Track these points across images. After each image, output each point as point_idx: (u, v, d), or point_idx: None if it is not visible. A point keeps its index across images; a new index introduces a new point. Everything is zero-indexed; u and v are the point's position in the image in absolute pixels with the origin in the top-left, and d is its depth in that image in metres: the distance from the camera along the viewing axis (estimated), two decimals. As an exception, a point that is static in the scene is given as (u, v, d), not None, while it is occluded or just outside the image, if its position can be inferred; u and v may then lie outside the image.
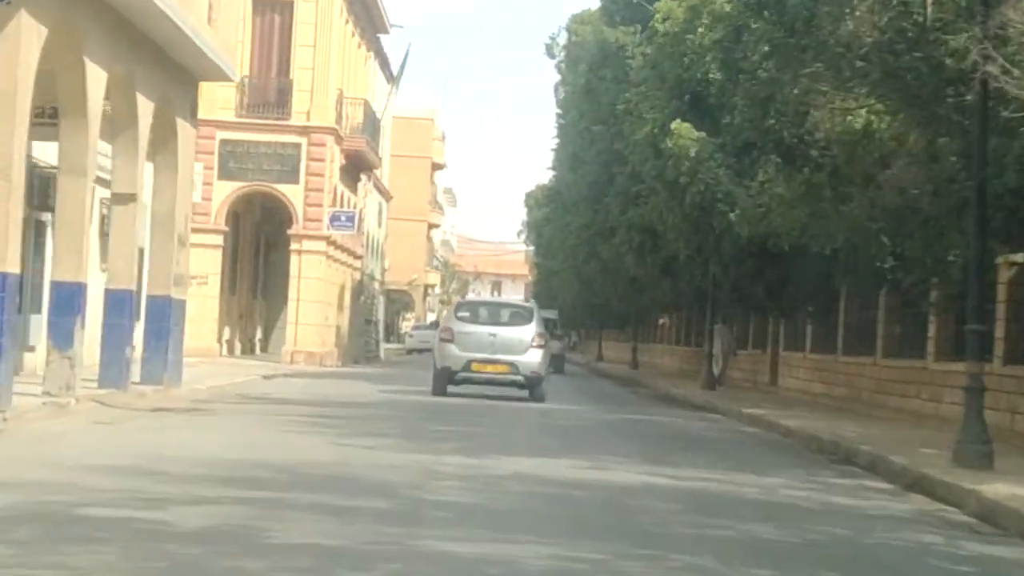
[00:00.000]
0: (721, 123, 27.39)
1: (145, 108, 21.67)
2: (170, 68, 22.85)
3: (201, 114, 45.37)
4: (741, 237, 26.71)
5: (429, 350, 73.98)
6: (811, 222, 24.91)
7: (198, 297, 43.95)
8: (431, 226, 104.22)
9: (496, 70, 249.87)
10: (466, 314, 29.92)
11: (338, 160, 46.72)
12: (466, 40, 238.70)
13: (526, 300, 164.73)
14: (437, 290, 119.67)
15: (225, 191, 44.48)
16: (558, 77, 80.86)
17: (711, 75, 27.29)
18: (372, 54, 56.15)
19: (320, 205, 44.68)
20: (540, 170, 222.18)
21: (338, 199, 47.17)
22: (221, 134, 44.32)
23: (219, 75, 24.81)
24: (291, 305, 44.94)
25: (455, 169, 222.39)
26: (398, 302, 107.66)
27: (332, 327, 48.85)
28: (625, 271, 47.50)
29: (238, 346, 49.42)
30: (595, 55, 52.15)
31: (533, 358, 28.37)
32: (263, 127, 44.36)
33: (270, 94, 44.79)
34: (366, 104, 48.99)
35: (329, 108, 44.88)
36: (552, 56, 75.66)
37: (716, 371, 41.48)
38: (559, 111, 79.76)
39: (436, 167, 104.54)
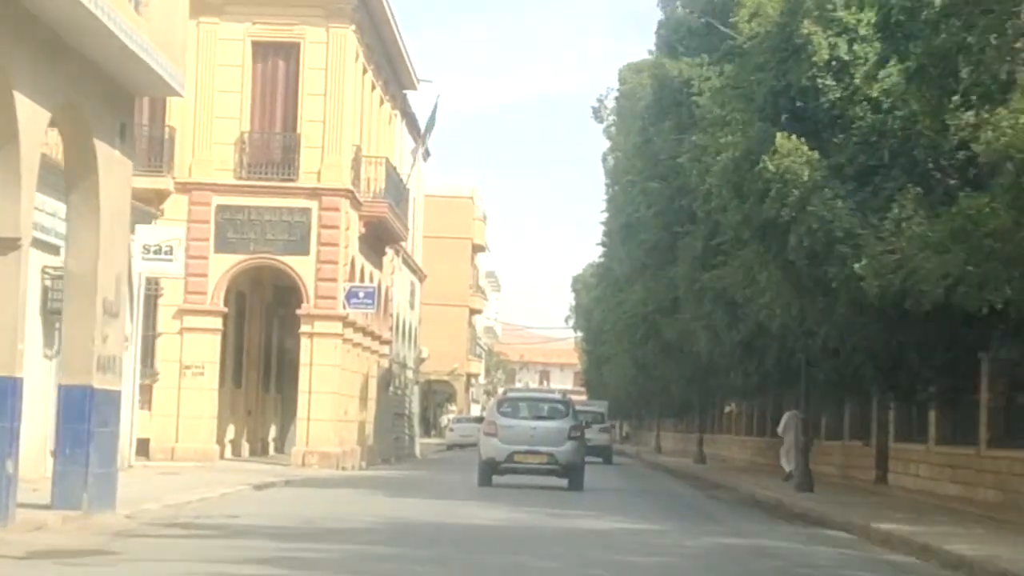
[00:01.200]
0: (831, 143, 20.78)
1: (33, 118, 15.15)
2: (76, 65, 16.33)
3: (195, 177, 39.47)
4: (866, 295, 19.93)
5: (472, 445, 68.01)
6: (967, 271, 18.23)
7: (193, 390, 37.58)
8: (473, 312, 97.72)
9: (538, 155, 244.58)
10: (508, 409, 31.88)
11: (356, 228, 40.24)
12: (505, 131, 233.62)
13: (576, 387, 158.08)
14: (481, 380, 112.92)
15: (224, 265, 38.02)
16: (606, 144, 74.65)
17: (820, 80, 20.64)
18: (397, 113, 49.82)
19: (334, 280, 38.16)
20: (588, 254, 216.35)
21: (357, 274, 40.65)
22: (218, 199, 37.97)
23: (158, 85, 18.29)
24: (302, 398, 38.26)
25: (498, 253, 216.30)
26: (439, 393, 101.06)
27: (353, 423, 42.16)
28: (691, 352, 40.87)
29: (246, 447, 42.79)
30: (652, 104, 45.72)
31: (570, 448, 30.40)
32: (266, 190, 38.00)
33: (274, 152, 38.43)
34: (388, 164, 42.49)
35: (343, 167, 38.47)
36: (600, 120, 69.51)
37: (788, 466, 34.94)
38: (608, 181, 73.52)
39: (477, 249, 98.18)
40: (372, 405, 45.77)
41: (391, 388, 49.39)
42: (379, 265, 45.68)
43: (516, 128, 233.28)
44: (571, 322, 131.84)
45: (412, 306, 57.92)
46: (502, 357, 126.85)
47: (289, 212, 38.02)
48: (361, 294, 38.66)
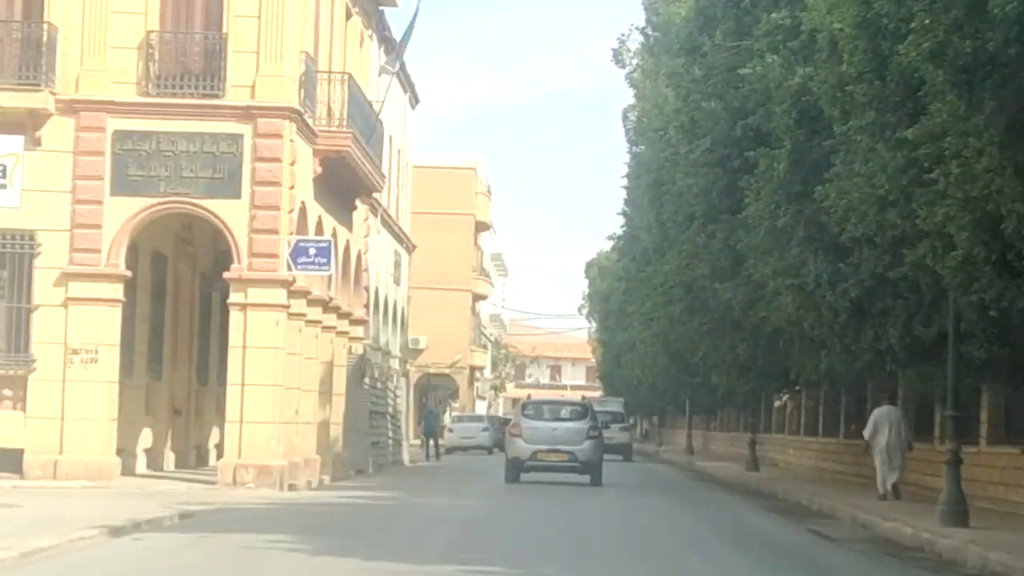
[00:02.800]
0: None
1: None
2: None
3: (84, 92, 28.04)
4: None
5: (477, 447, 58.36)
6: None
7: (82, 383, 27.54)
8: (476, 297, 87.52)
9: (545, 150, 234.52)
10: (532, 412, 34.53)
11: (308, 166, 30.13)
12: (510, 127, 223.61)
13: (589, 382, 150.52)
14: (487, 373, 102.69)
15: (124, 212, 27.88)
16: (628, 102, 64.58)
17: None
18: (372, 35, 39.58)
19: (275, 231, 28.03)
20: (600, 242, 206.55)
21: (312, 227, 30.54)
22: (115, 123, 27.84)
23: None
24: (232, 393, 28.10)
25: (505, 237, 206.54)
26: (440, 389, 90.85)
27: (310, 425, 32.03)
28: (756, 327, 30.87)
29: (171, 458, 32.73)
30: (694, 16, 35.85)
31: (589, 447, 33.19)
32: (181, 110, 27.88)
33: (192, 59, 28.26)
34: (351, 82, 32.12)
35: (288, 81, 28.34)
36: (622, 64, 59.52)
37: (888, 478, 25.54)
38: (630, 142, 63.38)
39: (481, 227, 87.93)
40: (339, 402, 35.66)
41: (367, 380, 39.25)
42: (347, 223, 35.54)
43: (520, 123, 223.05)
44: (585, 311, 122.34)
45: (398, 281, 47.77)
46: (511, 349, 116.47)
47: (213, 140, 27.92)
48: (312, 251, 28.48)
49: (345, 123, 31.53)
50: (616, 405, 71.78)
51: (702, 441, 70.86)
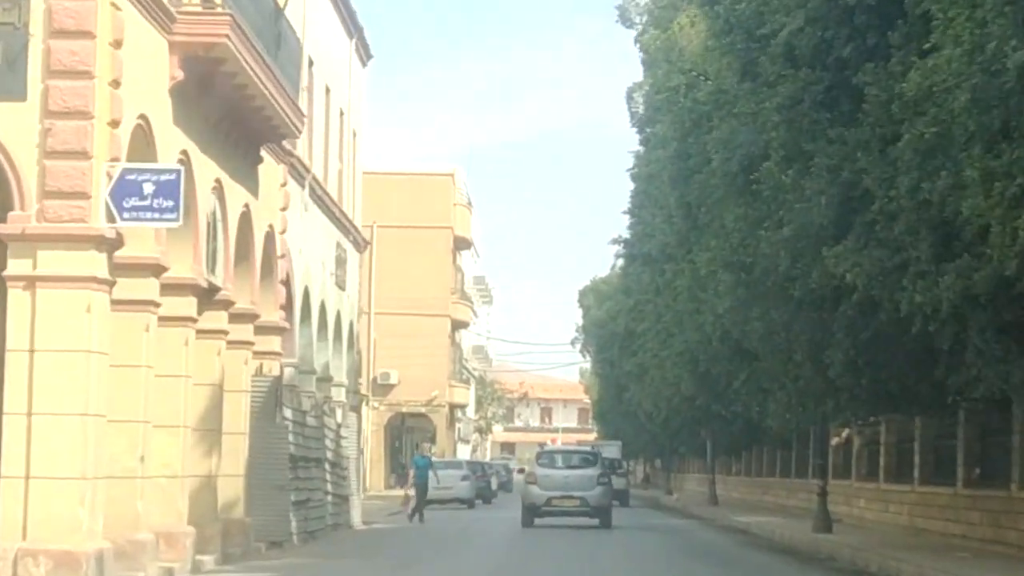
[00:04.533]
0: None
1: None
2: None
3: None
4: None
5: (455, 500, 47.23)
6: None
7: None
8: (457, 324, 75.94)
9: (531, 189, 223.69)
10: (545, 461, 37.10)
11: (163, 63, 18.76)
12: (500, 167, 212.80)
13: (581, 424, 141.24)
14: (470, 412, 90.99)
15: None
16: (637, 80, 53.46)
17: None
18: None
19: (84, 155, 16.64)
20: (594, 270, 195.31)
21: (164, 161, 19.02)
22: None
23: None
24: (7, 430, 16.63)
25: (489, 263, 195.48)
26: (418, 431, 79.22)
27: (175, 480, 20.42)
28: (860, 325, 19.75)
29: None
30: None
31: (599, 492, 35.08)
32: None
33: None
34: (231, -60, 20.79)
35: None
36: (629, 23, 48.44)
37: None
38: (638, 124, 52.16)
39: (461, 244, 76.52)
40: (237, 445, 24.14)
41: (287, 414, 27.63)
42: (246, 180, 24.04)
43: (504, 164, 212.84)
44: (579, 344, 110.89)
45: (342, 285, 36.16)
46: (498, 387, 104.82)
47: (-22, 4, 16.58)
48: (148, 187, 16.95)
49: (223, 6, 20.15)
50: (613, 450, 67.27)
51: (722, 488, 59.09)
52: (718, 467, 66.29)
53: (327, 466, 32.42)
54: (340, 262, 35.68)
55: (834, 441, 39.81)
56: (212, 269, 22.21)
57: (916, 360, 20.34)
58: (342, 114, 35.97)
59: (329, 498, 32.63)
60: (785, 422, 34.89)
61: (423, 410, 71.65)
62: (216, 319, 22.58)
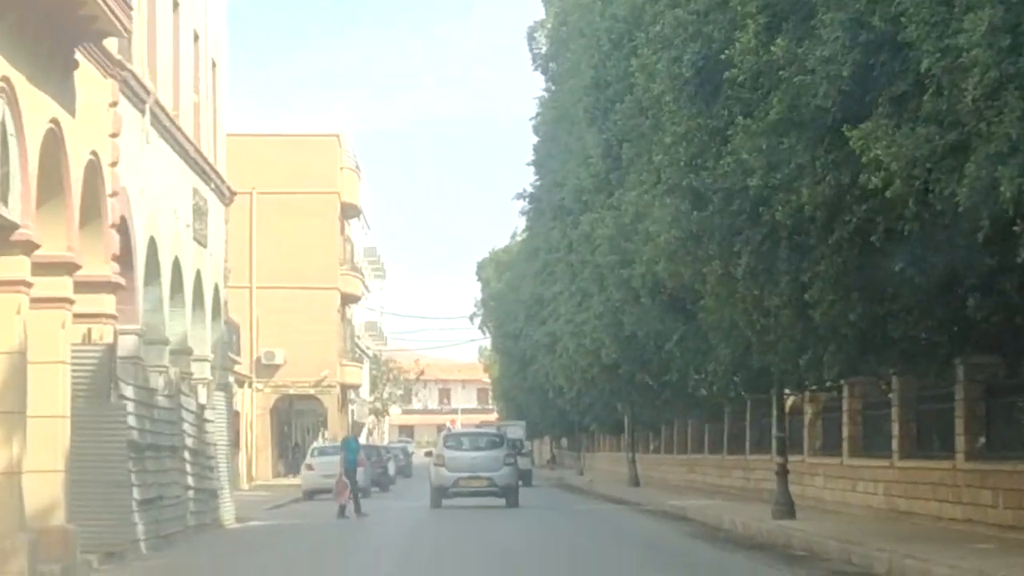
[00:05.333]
0: None
1: None
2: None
3: None
4: None
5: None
6: None
7: None
8: (347, 299, 70.29)
9: (421, 176, 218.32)
10: (453, 443, 37.75)
11: None
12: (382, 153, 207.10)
13: (481, 405, 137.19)
14: (364, 394, 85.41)
15: None
16: (539, 18, 48.17)
17: None
18: None
19: None
20: (494, 238, 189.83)
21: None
22: None
23: None
24: None
25: (382, 236, 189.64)
26: (308, 414, 73.61)
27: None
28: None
29: None
30: None
31: (506, 473, 35.99)
32: None
33: None
34: None
35: None
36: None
37: None
38: (541, 63, 46.98)
39: (349, 211, 70.85)
40: (54, 431, 18.57)
41: (127, 392, 22.04)
42: (53, 87, 18.39)
43: (393, 150, 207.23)
44: (478, 320, 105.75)
45: (203, 242, 30.48)
46: (394, 366, 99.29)
47: None
48: None
49: None
50: (517, 430, 65.11)
51: (641, 468, 53.89)
52: (608, 444, 61.52)
53: (186, 455, 26.87)
54: (199, 213, 30.00)
55: (793, 400, 34.92)
56: (2, 198, 16.63)
57: (942, 293, 15.26)
58: (196, 38, 30.28)
59: (190, 494, 27.09)
60: (728, 388, 29.93)
61: (312, 392, 65.95)
62: (11, 266, 17.01)
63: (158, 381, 25.51)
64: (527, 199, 48.22)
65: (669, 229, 21.72)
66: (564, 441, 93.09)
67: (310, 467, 45.93)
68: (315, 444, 50.52)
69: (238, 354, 51.13)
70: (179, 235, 27.92)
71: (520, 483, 39.29)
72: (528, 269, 54.82)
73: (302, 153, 65.65)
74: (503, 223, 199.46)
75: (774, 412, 27.86)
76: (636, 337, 33.34)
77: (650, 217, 26.65)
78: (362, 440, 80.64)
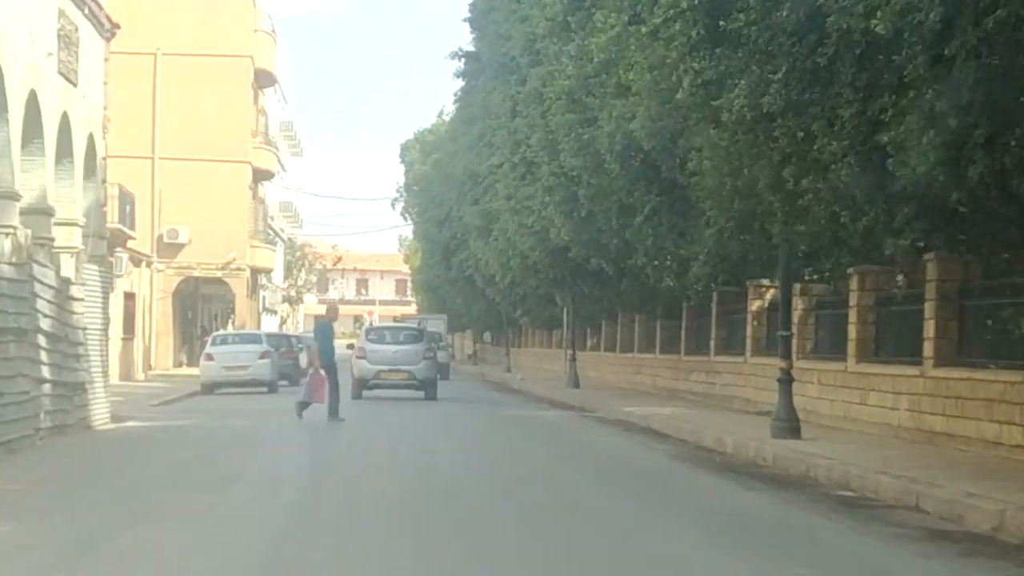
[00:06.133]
0: None
1: None
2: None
3: None
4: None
5: (252, 383, 36.69)
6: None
7: None
8: (259, 175, 64.46)
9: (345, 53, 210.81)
10: (374, 337, 37.74)
11: None
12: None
13: (400, 296, 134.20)
14: (278, 279, 79.85)
15: None
16: None
17: None
18: None
19: None
20: (418, 121, 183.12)
21: None
22: None
23: None
24: None
25: (299, 114, 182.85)
26: (217, 300, 68.09)
27: None
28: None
29: None
30: None
31: (424, 366, 36.33)
32: None
33: None
34: None
35: None
36: None
37: None
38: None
39: (263, 79, 64.85)
40: None
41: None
42: None
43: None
44: (400, 206, 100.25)
45: (73, 79, 24.71)
46: (309, 249, 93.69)
47: None
48: None
49: None
50: (439, 324, 64.36)
51: (569, 368, 48.39)
52: (560, 342, 56.64)
53: (41, 341, 21.40)
54: (68, 42, 24.23)
55: (755, 306, 29.98)
56: None
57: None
58: None
59: (46, 388, 21.68)
60: (713, 276, 24.92)
61: (220, 275, 60.32)
62: None
63: (2, 245, 20.03)
64: (462, 58, 42.57)
65: (665, 70, 16.41)
66: (487, 335, 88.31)
67: (210, 357, 40.43)
68: (216, 332, 44.96)
69: (133, 229, 45.46)
70: (36, 64, 22.19)
71: (438, 376, 39.02)
72: (460, 144, 49.35)
73: (212, 11, 59.53)
74: (429, 106, 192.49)
75: (715, 309, 22.74)
76: (593, 215, 28.16)
77: (625, 62, 21.38)
78: (273, 328, 75.25)
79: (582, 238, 29.26)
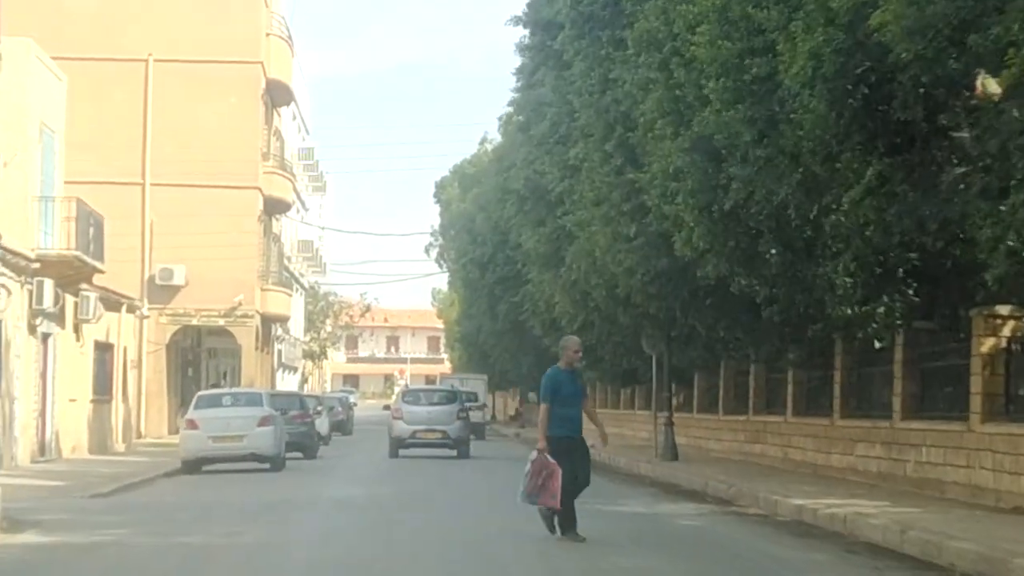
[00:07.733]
0: None
1: None
2: None
3: None
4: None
5: (247, 457, 26.21)
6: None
7: None
8: (271, 205, 54.54)
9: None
10: (410, 398, 39.63)
11: None
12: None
13: (431, 354, 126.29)
14: (297, 331, 69.83)
15: None
16: None
17: None
18: None
19: None
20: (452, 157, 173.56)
21: None
22: None
23: None
24: None
25: (325, 152, 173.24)
26: (223, 354, 58.16)
27: None
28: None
29: None
30: None
31: (458, 426, 37.96)
32: None
33: None
34: None
35: None
36: None
37: None
38: None
39: (276, 92, 54.97)
40: None
41: None
42: None
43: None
44: (433, 253, 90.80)
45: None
46: (333, 299, 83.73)
47: None
48: None
49: None
50: (479, 384, 63.19)
51: (663, 434, 37.99)
52: (640, 400, 46.70)
53: None
54: None
55: (985, 346, 19.95)
56: None
57: None
58: None
59: None
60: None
61: (222, 322, 50.50)
62: None
63: None
64: (525, 24, 32.39)
65: None
66: (531, 396, 78.38)
67: (193, 424, 30.22)
68: (201, 392, 34.91)
69: (102, 260, 35.66)
70: None
71: (473, 436, 41.69)
72: (518, 155, 39.34)
73: (215, 9, 50.06)
74: (465, 144, 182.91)
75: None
76: (738, 211, 18.18)
77: None
78: (291, 387, 65.42)
79: (726, 246, 19.20)
